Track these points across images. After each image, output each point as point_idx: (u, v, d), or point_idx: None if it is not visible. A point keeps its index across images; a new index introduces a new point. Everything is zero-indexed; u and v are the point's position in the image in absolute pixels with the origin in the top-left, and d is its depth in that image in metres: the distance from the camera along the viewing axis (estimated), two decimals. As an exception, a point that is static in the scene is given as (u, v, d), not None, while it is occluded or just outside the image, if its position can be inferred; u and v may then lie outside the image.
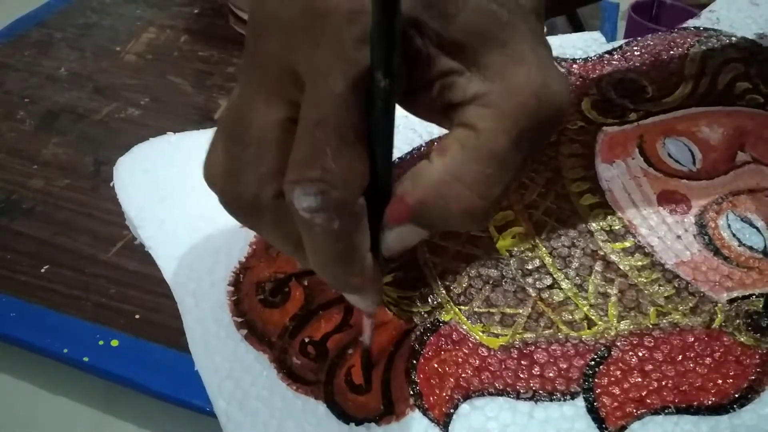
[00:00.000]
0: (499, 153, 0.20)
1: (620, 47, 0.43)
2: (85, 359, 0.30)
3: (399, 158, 0.36)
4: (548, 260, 0.32)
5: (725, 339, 0.29)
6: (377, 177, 0.21)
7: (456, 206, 0.21)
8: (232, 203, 0.23)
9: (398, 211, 0.22)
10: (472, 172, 0.21)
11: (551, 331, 0.29)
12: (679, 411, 0.27)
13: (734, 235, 0.33)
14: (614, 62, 0.42)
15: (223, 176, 0.22)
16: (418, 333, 0.29)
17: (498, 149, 0.20)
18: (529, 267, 0.32)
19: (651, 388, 0.27)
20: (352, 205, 0.21)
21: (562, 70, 0.42)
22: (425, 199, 0.21)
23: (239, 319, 0.30)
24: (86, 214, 0.37)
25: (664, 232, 0.33)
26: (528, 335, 0.29)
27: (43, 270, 0.34)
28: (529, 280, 0.31)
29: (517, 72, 0.20)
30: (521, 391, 0.27)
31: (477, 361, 0.28)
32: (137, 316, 0.32)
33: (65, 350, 0.30)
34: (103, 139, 0.42)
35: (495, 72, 0.20)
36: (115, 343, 0.30)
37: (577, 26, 0.59)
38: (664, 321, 0.30)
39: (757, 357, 0.28)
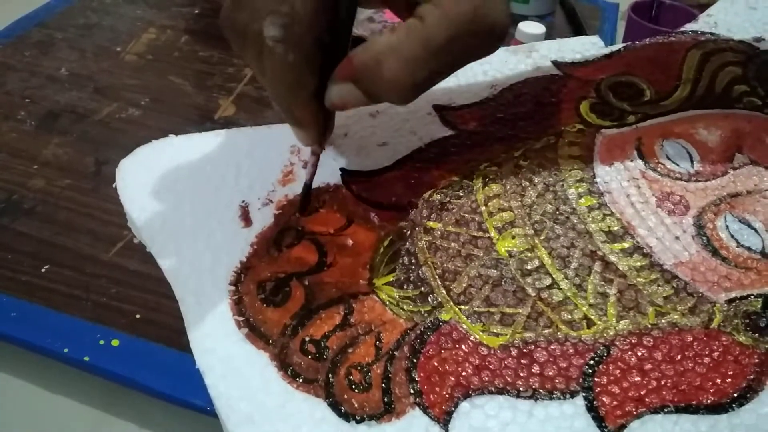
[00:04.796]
0: (433, 43, 0.25)
1: (618, 51, 0.44)
2: (86, 359, 0.30)
3: (398, 161, 0.37)
4: (547, 260, 0.32)
5: (724, 339, 0.29)
6: (339, 42, 0.27)
7: (387, 74, 0.26)
8: (228, 29, 0.27)
9: (344, 68, 0.27)
10: (407, 50, 0.26)
11: (551, 330, 0.29)
12: (679, 410, 0.27)
13: (732, 236, 0.33)
14: (612, 65, 0.43)
15: (228, 8, 0.27)
16: (418, 332, 0.29)
17: (433, 39, 0.25)
18: (529, 267, 0.32)
19: (650, 387, 0.27)
20: (307, 45, 0.26)
21: (561, 73, 0.42)
22: (367, 61, 0.26)
23: (240, 318, 0.30)
24: (86, 214, 0.37)
25: (663, 233, 0.33)
26: (527, 334, 0.29)
27: (43, 270, 0.34)
28: (529, 280, 0.31)
29: None
30: (521, 389, 0.28)
31: (477, 360, 0.28)
32: (138, 316, 0.32)
33: (65, 350, 0.30)
34: (104, 140, 0.42)
35: None
36: (115, 342, 0.30)
37: (576, 26, 0.59)
38: (663, 321, 0.30)
39: (755, 357, 0.28)
